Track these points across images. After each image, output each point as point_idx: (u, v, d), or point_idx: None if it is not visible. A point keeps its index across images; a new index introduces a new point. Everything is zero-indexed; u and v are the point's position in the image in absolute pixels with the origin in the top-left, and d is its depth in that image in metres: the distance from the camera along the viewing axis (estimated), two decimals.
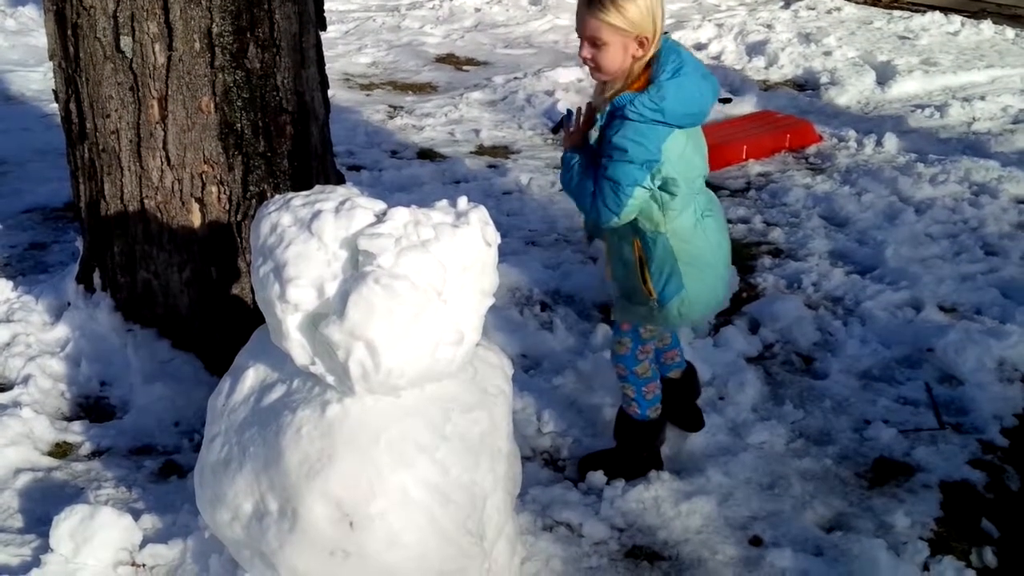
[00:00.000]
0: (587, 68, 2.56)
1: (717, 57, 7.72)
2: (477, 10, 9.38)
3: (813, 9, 9.19)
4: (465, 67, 7.73)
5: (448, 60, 7.89)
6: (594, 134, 2.54)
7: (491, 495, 2.24)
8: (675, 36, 8.08)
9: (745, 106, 6.52)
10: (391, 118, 6.30)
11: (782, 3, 9.45)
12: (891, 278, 4.13)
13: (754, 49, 7.79)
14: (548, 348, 3.61)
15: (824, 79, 7.04)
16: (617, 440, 2.98)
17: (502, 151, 5.83)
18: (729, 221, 4.77)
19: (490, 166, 5.52)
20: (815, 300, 4.01)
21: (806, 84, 7.16)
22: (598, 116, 2.54)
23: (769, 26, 8.46)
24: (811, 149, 5.77)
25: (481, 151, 5.82)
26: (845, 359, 3.57)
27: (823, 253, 4.41)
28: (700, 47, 7.92)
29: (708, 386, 3.37)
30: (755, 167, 5.52)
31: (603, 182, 2.50)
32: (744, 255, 4.40)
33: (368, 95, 6.86)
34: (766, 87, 7.07)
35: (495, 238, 2.16)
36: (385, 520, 2.07)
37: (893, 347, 3.65)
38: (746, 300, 4.00)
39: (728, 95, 6.75)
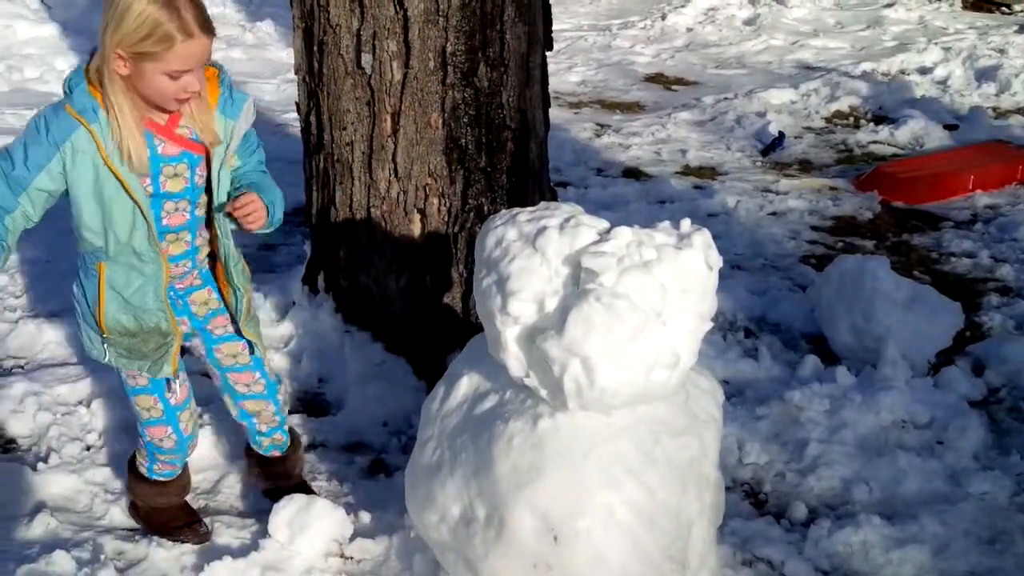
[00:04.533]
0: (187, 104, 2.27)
1: (943, 82, 7.34)
2: (689, 30, 9.30)
3: None
4: (674, 87, 7.68)
5: (657, 79, 7.87)
6: (235, 162, 2.48)
7: (696, 523, 2.20)
8: (898, 59, 7.81)
9: (973, 134, 6.16)
10: (598, 136, 6.34)
11: (1016, 27, 8.87)
12: None
13: (984, 74, 7.36)
14: (752, 376, 3.52)
15: None
16: None
17: (709, 172, 5.75)
18: (952, 255, 4.56)
19: (696, 187, 5.46)
20: None
21: None
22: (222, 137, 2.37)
23: (1001, 51, 7.97)
24: None
25: (687, 171, 5.76)
26: None
27: None
28: (925, 71, 7.56)
29: (927, 429, 3.20)
30: (982, 199, 5.22)
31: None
32: (969, 291, 4.16)
33: (576, 113, 6.93)
34: (997, 115, 6.66)
35: (717, 262, 2.12)
36: (590, 538, 2.08)
37: None
38: (970, 340, 3.77)
39: (954, 122, 6.40)
